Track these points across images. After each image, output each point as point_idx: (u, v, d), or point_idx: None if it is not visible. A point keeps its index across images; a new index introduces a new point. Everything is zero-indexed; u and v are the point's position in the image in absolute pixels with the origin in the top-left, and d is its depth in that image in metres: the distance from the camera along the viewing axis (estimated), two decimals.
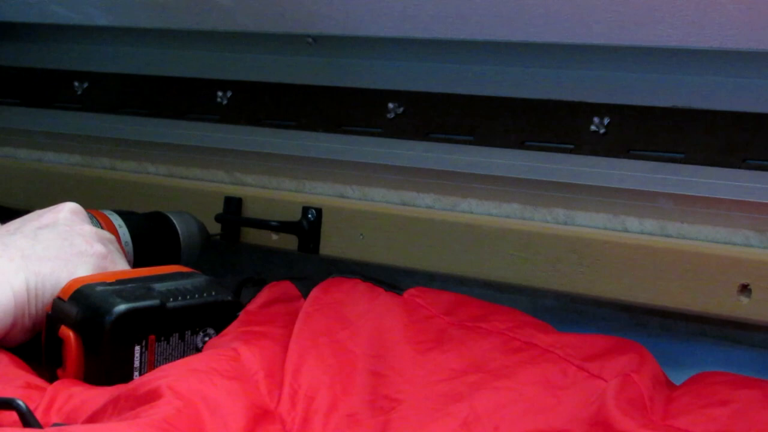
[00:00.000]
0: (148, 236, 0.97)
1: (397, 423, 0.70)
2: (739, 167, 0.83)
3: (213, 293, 0.82)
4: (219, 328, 0.81)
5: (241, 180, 1.11)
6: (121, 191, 1.15)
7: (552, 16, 0.86)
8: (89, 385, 0.73)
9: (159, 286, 0.80)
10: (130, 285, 0.79)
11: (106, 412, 0.65)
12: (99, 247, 0.84)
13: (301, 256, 1.04)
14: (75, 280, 0.78)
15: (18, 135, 1.27)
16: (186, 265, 0.96)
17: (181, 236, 1.00)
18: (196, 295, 0.81)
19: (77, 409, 0.68)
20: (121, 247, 0.92)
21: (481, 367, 0.76)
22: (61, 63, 1.24)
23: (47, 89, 1.25)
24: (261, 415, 0.67)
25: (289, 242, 1.03)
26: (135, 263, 0.94)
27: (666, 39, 0.83)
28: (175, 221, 1.00)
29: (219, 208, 1.07)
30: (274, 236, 1.04)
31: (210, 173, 1.13)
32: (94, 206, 1.00)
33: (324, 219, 1.01)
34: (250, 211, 1.06)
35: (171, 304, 0.78)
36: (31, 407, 0.66)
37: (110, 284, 0.78)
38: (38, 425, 0.64)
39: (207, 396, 0.65)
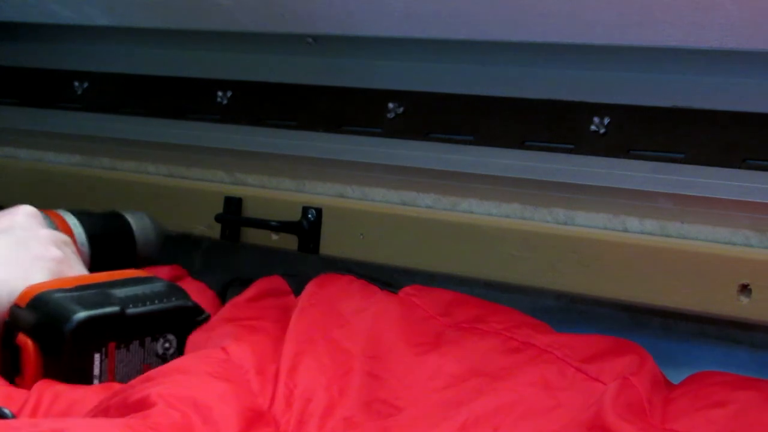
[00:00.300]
0: (104, 236, 0.96)
1: (396, 430, 0.70)
2: (739, 167, 0.83)
3: (173, 299, 0.81)
4: (179, 334, 0.80)
5: (241, 180, 1.11)
6: (121, 191, 1.15)
7: (552, 16, 0.86)
8: (75, 385, 0.72)
9: (118, 292, 0.79)
10: (88, 291, 0.78)
11: None
12: (55, 252, 0.83)
13: (301, 256, 1.03)
14: (32, 287, 0.77)
15: (18, 135, 1.27)
16: (143, 264, 0.95)
17: (136, 235, 0.99)
18: (156, 301, 0.80)
19: (65, 414, 0.67)
20: (77, 249, 0.91)
21: (479, 370, 0.76)
22: (61, 63, 1.24)
23: (47, 89, 1.25)
24: (254, 417, 0.66)
25: (289, 242, 1.03)
26: (91, 263, 0.93)
27: (666, 39, 0.82)
28: (130, 220, 1.00)
29: (219, 208, 1.07)
30: (274, 236, 1.04)
31: (210, 173, 1.13)
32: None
33: (324, 219, 1.01)
34: (250, 211, 1.06)
35: (130, 310, 0.77)
36: (15, 407, 0.65)
37: (69, 290, 0.77)
38: None
39: (198, 402, 0.64)
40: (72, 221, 0.94)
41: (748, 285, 0.80)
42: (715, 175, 0.84)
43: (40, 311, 0.75)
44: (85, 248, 0.94)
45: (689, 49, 0.83)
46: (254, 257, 1.12)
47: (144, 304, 0.79)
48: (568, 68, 0.92)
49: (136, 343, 0.78)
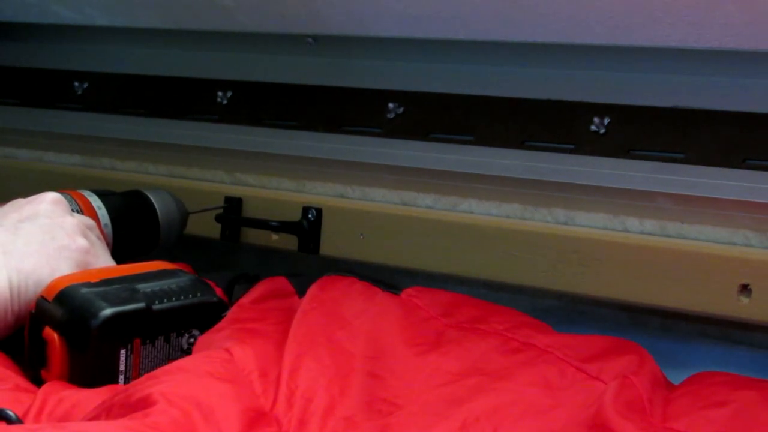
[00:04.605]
0: (127, 216, 0.96)
1: (396, 428, 0.70)
2: (739, 167, 0.83)
3: (198, 294, 0.81)
4: (204, 330, 0.80)
5: (241, 180, 1.11)
6: None
7: (552, 16, 0.86)
8: (79, 388, 0.72)
9: (144, 287, 0.79)
10: (115, 286, 0.78)
11: (99, 419, 0.65)
12: (81, 242, 0.83)
13: (301, 256, 1.03)
14: (59, 280, 0.77)
15: (18, 135, 1.27)
16: (166, 243, 0.95)
17: (159, 214, 0.99)
18: (182, 297, 0.80)
19: (68, 414, 0.67)
20: (101, 230, 0.90)
21: (479, 369, 0.76)
22: (61, 63, 1.24)
23: (47, 89, 1.25)
24: (256, 418, 0.66)
25: (289, 242, 1.03)
26: (114, 244, 0.93)
27: (666, 39, 0.82)
28: (153, 199, 1.00)
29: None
30: (274, 236, 1.05)
31: (210, 173, 1.13)
32: None
33: (324, 219, 1.01)
34: (250, 211, 1.06)
35: (157, 306, 0.77)
36: (21, 411, 0.65)
37: (95, 285, 0.77)
38: None
39: (200, 402, 0.64)
40: (95, 202, 0.94)
41: (748, 285, 0.80)
42: (715, 175, 0.84)
43: (67, 306, 0.75)
44: (109, 230, 0.93)
45: (689, 49, 0.83)
46: (254, 258, 1.12)
47: (170, 300, 0.79)
48: (568, 68, 0.92)
49: (161, 338, 0.78)
